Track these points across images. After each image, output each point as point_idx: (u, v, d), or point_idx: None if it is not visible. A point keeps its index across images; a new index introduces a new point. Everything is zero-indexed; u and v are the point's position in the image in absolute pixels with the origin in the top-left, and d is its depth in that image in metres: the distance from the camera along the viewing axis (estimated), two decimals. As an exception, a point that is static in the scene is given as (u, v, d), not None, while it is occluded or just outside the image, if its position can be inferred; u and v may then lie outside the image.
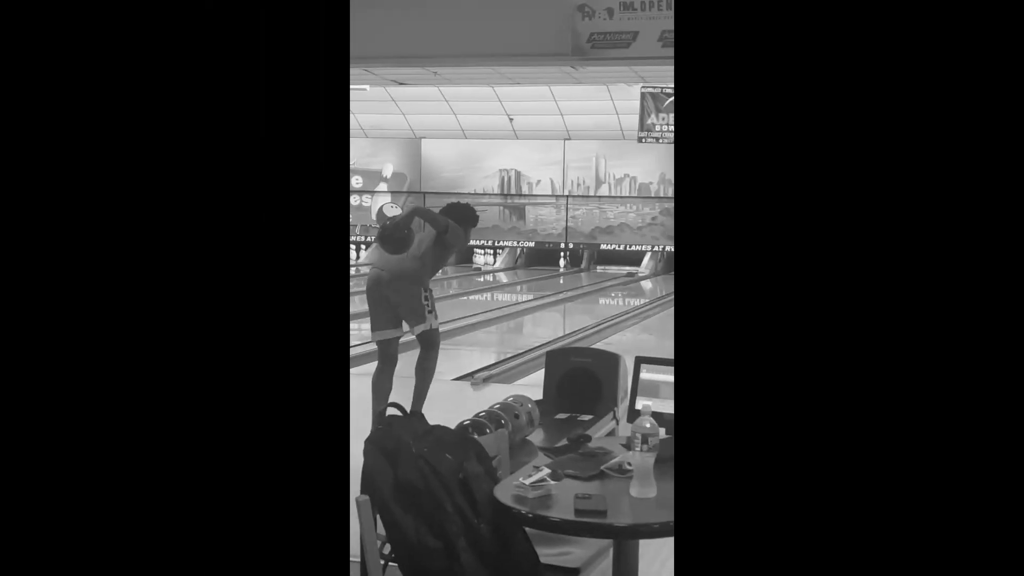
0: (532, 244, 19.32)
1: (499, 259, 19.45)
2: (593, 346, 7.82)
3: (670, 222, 18.33)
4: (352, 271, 12.45)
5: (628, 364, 4.17)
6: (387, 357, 5.33)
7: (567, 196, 19.04)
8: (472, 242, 5.11)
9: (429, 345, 5.36)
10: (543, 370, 5.31)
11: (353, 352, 6.20)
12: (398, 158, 19.70)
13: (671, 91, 15.80)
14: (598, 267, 18.94)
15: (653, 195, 18.58)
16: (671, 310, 13.09)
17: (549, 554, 2.73)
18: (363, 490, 2.53)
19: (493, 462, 2.85)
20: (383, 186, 19.72)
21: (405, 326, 5.33)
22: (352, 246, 18.26)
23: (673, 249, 18.24)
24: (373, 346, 5.53)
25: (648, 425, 2.56)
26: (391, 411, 2.88)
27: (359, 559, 2.49)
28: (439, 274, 6.21)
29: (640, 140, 16.48)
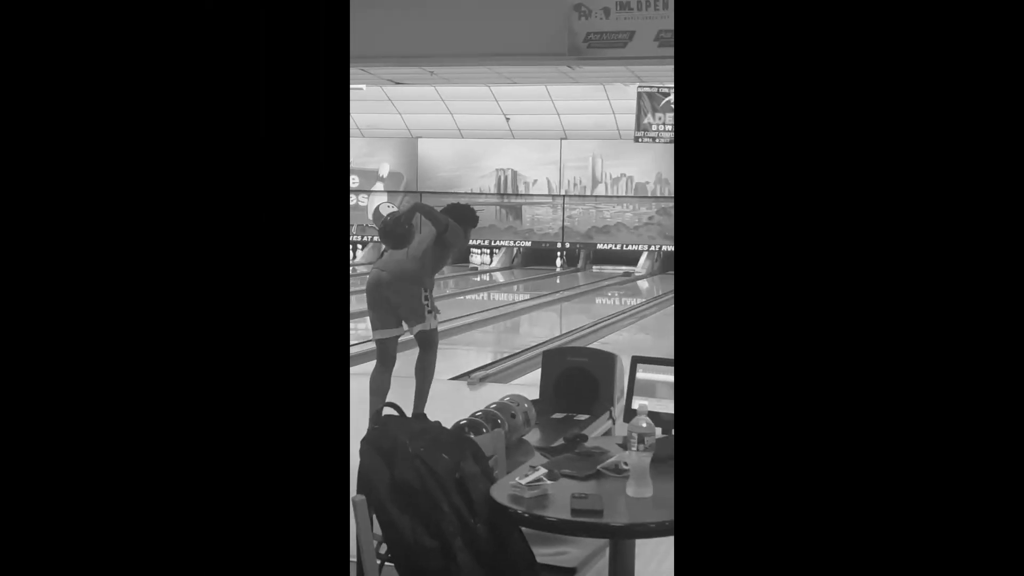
0: (529, 244, 19.33)
1: (496, 259, 19.46)
2: (590, 346, 7.82)
3: (667, 222, 18.36)
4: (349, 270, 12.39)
5: (625, 364, 4.17)
6: (386, 356, 5.34)
7: (564, 196, 19.04)
8: (469, 241, 5.11)
9: (427, 345, 5.37)
10: (540, 370, 5.30)
11: (350, 351, 6.18)
12: (395, 157, 19.70)
13: (667, 91, 15.81)
14: (594, 267, 18.94)
15: (650, 195, 18.59)
16: (668, 310, 13.14)
17: (545, 554, 2.73)
18: (359, 490, 2.53)
19: (489, 462, 2.85)
20: (379, 185, 19.71)
21: (405, 325, 5.34)
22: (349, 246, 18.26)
23: (669, 249, 18.29)
24: (370, 346, 5.54)
25: (644, 425, 2.56)
26: (387, 411, 2.89)
27: (355, 559, 2.49)
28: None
29: (637, 140, 16.49)
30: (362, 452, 2.61)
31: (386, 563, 2.62)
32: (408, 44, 8.35)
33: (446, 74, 13.25)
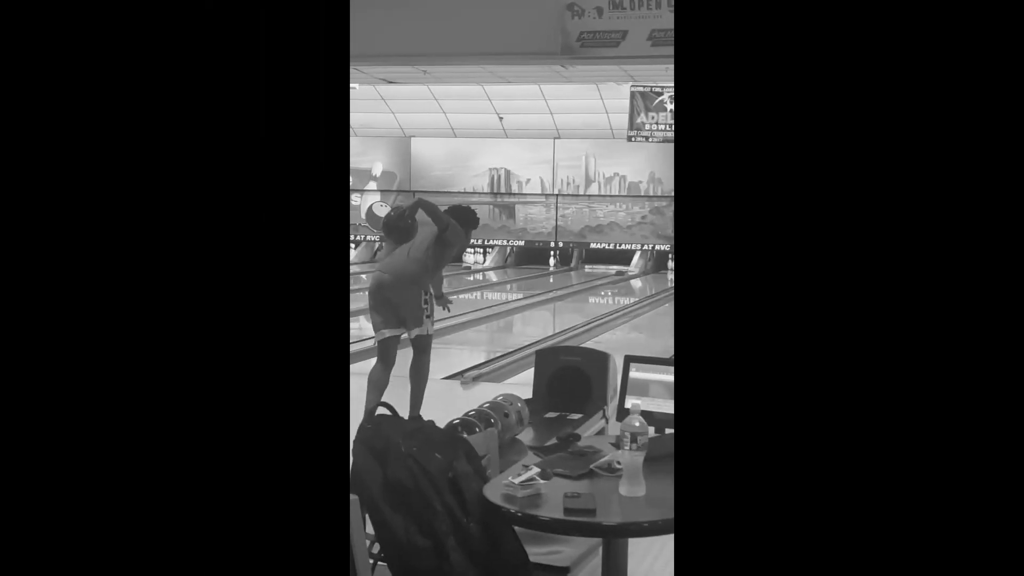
0: (522, 243, 19.33)
1: (489, 258, 19.44)
2: (583, 345, 7.83)
3: (660, 221, 18.38)
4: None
5: (618, 363, 4.18)
6: (387, 356, 5.40)
7: (557, 195, 19.04)
8: (469, 242, 5.14)
9: (421, 350, 5.44)
10: (533, 369, 5.31)
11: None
12: (388, 157, 19.68)
13: (660, 90, 15.82)
14: (586, 266, 18.94)
15: (643, 194, 18.60)
16: (660, 309, 13.14)
17: (538, 553, 2.74)
18: (352, 489, 2.53)
19: (482, 461, 2.85)
20: (372, 185, 19.69)
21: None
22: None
23: (662, 248, 18.31)
24: (364, 345, 5.55)
25: (637, 424, 2.56)
26: (381, 410, 2.89)
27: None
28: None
29: (630, 139, 16.50)
30: (355, 452, 2.61)
31: (379, 562, 2.62)
32: (401, 43, 8.35)
33: (439, 73, 13.25)
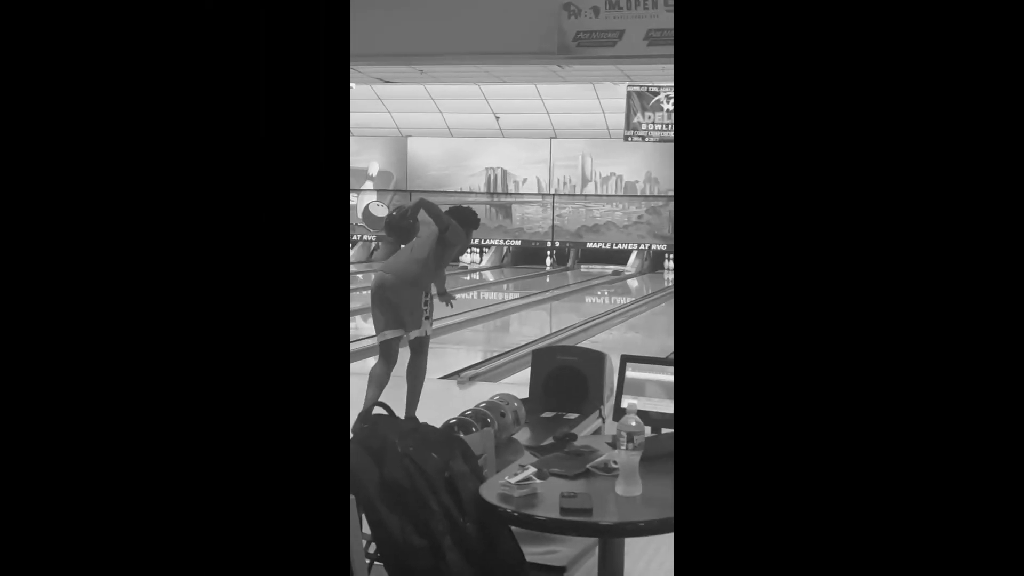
0: (518, 242, 19.33)
1: (485, 257, 19.45)
2: (579, 344, 7.82)
3: (656, 220, 18.39)
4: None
5: (614, 362, 4.18)
6: (389, 355, 5.44)
7: (553, 194, 19.04)
8: (470, 242, 5.15)
9: (418, 351, 5.48)
10: (529, 368, 5.31)
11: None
12: (384, 156, 19.67)
13: (657, 90, 15.84)
14: (583, 266, 18.95)
15: (639, 194, 18.61)
16: (657, 308, 13.13)
17: (535, 553, 2.74)
18: (349, 489, 2.53)
19: (479, 461, 2.85)
20: (369, 184, 19.68)
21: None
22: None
23: (659, 248, 18.32)
24: (363, 344, 5.56)
25: (634, 423, 2.56)
26: (377, 410, 2.89)
27: (346, 557, 2.49)
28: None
29: (626, 139, 16.52)
30: (351, 452, 2.61)
31: (375, 562, 2.62)
32: (398, 43, 8.35)
33: (436, 73, 13.24)
